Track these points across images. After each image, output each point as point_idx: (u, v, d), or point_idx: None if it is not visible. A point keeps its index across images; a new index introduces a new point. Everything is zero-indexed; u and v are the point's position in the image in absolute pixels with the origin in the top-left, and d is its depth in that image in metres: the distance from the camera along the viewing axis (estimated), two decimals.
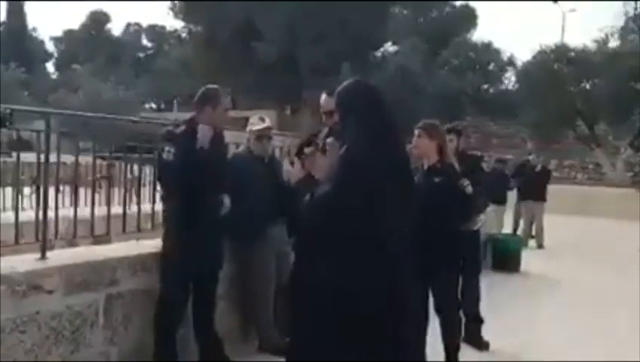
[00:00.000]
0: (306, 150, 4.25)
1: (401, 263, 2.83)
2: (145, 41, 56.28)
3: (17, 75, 38.24)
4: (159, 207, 4.23)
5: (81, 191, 4.64)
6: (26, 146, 4.64)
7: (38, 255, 3.50)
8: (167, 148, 3.76)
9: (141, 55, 54.87)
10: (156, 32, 53.79)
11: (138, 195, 4.99)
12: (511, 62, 32.71)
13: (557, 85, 24.40)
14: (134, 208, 4.71)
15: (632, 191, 19.40)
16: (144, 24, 55.83)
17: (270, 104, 31.29)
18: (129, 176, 5.40)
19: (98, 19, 53.96)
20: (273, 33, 32.00)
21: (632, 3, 24.42)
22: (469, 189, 4.00)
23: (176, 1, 38.61)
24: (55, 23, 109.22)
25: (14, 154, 4.61)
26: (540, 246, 11.37)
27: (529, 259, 9.12)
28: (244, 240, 4.50)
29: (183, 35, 44.29)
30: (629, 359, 4.83)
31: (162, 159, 3.81)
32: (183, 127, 3.88)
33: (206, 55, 35.36)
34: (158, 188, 4.33)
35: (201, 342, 4.04)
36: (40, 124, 3.76)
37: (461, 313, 4.50)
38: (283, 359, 3.97)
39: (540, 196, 11.62)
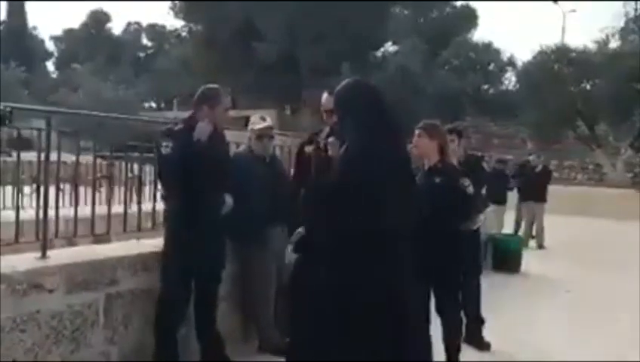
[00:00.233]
0: (307, 149, 4.25)
1: (401, 263, 2.82)
2: (145, 41, 56.23)
3: (17, 74, 38.21)
4: (160, 206, 4.22)
5: (82, 190, 4.63)
6: (27, 145, 4.64)
7: (39, 254, 3.49)
8: (164, 144, 3.76)
9: (141, 54, 54.81)
10: (156, 31, 53.74)
11: (139, 194, 4.98)
12: (511, 62, 32.73)
13: (557, 85, 24.44)
14: (135, 207, 4.70)
15: (633, 191, 19.42)
16: (144, 23, 55.84)
17: (270, 104, 31.28)
18: (130, 175, 5.39)
19: (98, 19, 53.94)
20: (273, 33, 32.01)
21: (632, 4, 24.46)
22: (470, 189, 3.99)
23: (176, 1, 38.62)
24: (55, 23, 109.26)
25: (14, 153, 4.60)
26: (541, 246, 11.36)
27: (529, 259, 9.11)
28: (244, 240, 4.49)
29: (183, 34, 44.32)
30: (629, 359, 4.83)
31: (161, 154, 3.81)
32: (181, 125, 3.90)
33: (206, 54, 35.38)
34: (159, 187, 4.32)
35: (202, 341, 4.02)
36: (40, 123, 3.75)
37: (462, 313, 4.49)
38: (283, 359, 3.98)
39: (541, 196, 11.61)
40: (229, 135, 4.45)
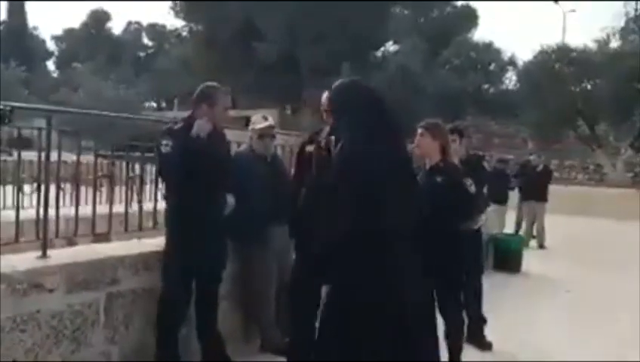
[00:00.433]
0: (308, 148, 4.23)
1: (402, 263, 2.81)
2: (145, 40, 56.23)
3: (18, 73, 38.22)
4: (161, 205, 4.21)
5: (82, 189, 4.61)
6: (27, 144, 4.63)
7: (39, 253, 3.48)
8: (164, 142, 3.75)
9: (141, 54, 54.80)
10: (157, 30, 53.74)
11: (140, 194, 4.97)
12: (512, 62, 32.71)
13: (558, 85, 24.43)
14: (136, 207, 4.69)
15: (633, 191, 19.39)
16: (145, 23, 55.86)
17: (270, 103, 31.27)
18: (131, 174, 5.38)
19: (99, 18, 53.95)
20: (273, 33, 32.01)
21: (632, 4, 24.45)
22: (472, 189, 3.99)
23: (177, 1, 38.61)
24: (56, 22, 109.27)
25: (15, 152, 4.58)
26: (542, 246, 11.36)
27: (530, 259, 9.12)
28: (244, 239, 4.48)
29: (184, 34, 44.29)
30: (629, 359, 4.82)
31: (161, 153, 3.79)
32: (181, 124, 3.89)
33: (206, 54, 35.37)
34: (160, 186, 4.31)
35: (203, 341, 4.01)
36: (41, 123, 3.74)
37: (464, 313, 4.48)
38: (285, 359, 3.98)
39: (542, 196, 11.61)
40: (230, 134, 4.44)
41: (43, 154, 3.72)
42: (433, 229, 3.59)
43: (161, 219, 4.20)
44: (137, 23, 56.18)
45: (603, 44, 25.35)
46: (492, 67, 32.91)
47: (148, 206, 4.63)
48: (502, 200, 10.34)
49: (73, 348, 3.42)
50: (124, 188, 4.90)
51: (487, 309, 5.24)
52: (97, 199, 4.32)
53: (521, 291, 7.43)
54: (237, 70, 32.63)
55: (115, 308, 3.68)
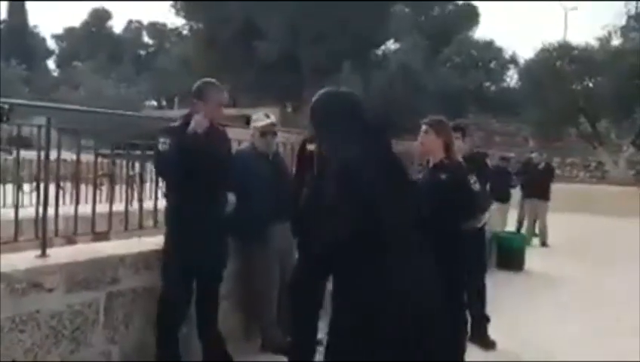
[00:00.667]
0: (309, 146, 4.19)
1: (402, 264, 2.78)
2: (146, 39, 56.18)
3: (18, 72, 38.24)
4: (162, 204, 4.17)
5: (82, 188, 4.59)
6: (28, 143, 4.59)
7: (38, 252, 3.45)
8: (162, 140, 3.71)
9: (142, 53, 54.77)
10: (157, 29, 53.65)
11: (140, 192, 4.94)
12: (513, 60, 32.63)
13: (559, 83, 24.37)
14: (136, 205, 4.66)
15: (635, 189, 19.31)
16: (145, 21, 55.77)
17: (271, 102, 31.23)
18: (131, 173, 5.35)
19: (99, 17, 53.92)
20: (274, 32, 31.95)
21: (633, 2, 24.37)
22: (477, 186, 3.95)
23: (178, 0, 38.57)
24: (56, 21, 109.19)
25: (14, 152, 4.55)
26: (544, 244, 11.35)
27: (532, 257, 9.11)
28: (245, 237, 4.45)
29: (184, 32, 44.23)
30: (633, 358, 4.78)
31: (158, 150, 3.75)
32: (179, 121, 3.86)
33: (207, 53, 35.31)
34: (161, 184, 4.28)
35: (203, 340, 3.98)
36: (40, 121, 3.70)
37: (467, 312, 4.45)
38: (285, 358, 3.94)
39: (544, 194, 11.59)
40: (231, 133, 4.41)
41: (42, 153, 3.69)
42: (436, 227, 3.55)
43: (161, 217, 4.17)
44: (138, 21, 56.16)
45: (605, 41, 25.28)
46: (493, 65, 32.78)
47: (148, 204, 4.60)
48: (504, 199, 10.31)
49: (73, 348, 3.39)
50: (124, 186, 4.86)
51: (490, 308, 5.21)
52: (97, 198, 4.28)
53: (524, 289, 7.42)
54: (237, 69, 32.59)
55: (115, 307, 3.65)
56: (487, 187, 5.30)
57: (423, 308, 2.81)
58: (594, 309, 6.52)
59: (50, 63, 56.86)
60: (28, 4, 54.61)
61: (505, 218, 10.52)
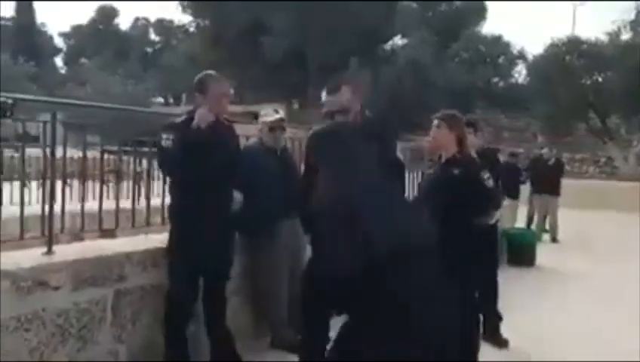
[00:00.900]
0: None
1: (408, 269, 2.74)
2: (153, 36, 56.21)
3: (26, 69, 38.29)
4: (169, 200, 4.11)
5: (89, 185, 4.54)
6: (35, 140, 4.56)
7: (44, 249, 3.39)
8: (165, 136, 3.64)
9: (149, 50, 54.78)
10: (164, 26, 53.67)
11: (147, 189, 4.89)
12: (521, 55, 32.47)
13: (568, 78, 24.24)
14: (143, 202, 4.61)
15: None
16: (152, 19, 55.77)
17: (277, 99, 31.17)
18: (138, 169, 5.31)
19: (106, 14, 53.97)
20: (280, 29, 31.89)
21: None
22: (490, 182, 3.87)
23: (184, 0, 38.63)
24: (63, 19, 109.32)
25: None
26: (554, 239, 11.29)
27: (543, 252, 9.08)
28: (252, 234, 4.39)
29: (191, 29, 44.25)
30: None
31: (161, 146, 3.68)
32: (183, 117, 3.78)
33: (213, 50, 35.33)
34: (168, 181, 4.22)
35: (212, 338, 3.92)
36: (47, 118, 3.65)
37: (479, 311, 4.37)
38: (296, 356, 3.88)
39: (555, 190, 11.53)
40: (238, 129, 4.34)
41: (48, 149, 3.63)
42: (448, 222, 3.48)
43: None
44: (145, 18, 56.13)
45: (614, 36, 25.11)
46: (501, 60, 32.67)
47: (155, 201, 4.54)
48: (514, 195, 10.23)
49: (79, 347, 3.34)
50: (131, 183, 4.82)
51: (502, 304, 5.15)
52: (104, 194, 4.23)
53: (536, 284, 7.39)
54: (244, 65, 32.57)
55: (123, 305, 3.59)
56: (499, 183, 5.23)
57: (434, 308, 2.77)
58: (606, 304, 6.47)
59: (58, 61, 57.00)
60: (35, 3, 54.76)
61: (515, 214, 10.45)
